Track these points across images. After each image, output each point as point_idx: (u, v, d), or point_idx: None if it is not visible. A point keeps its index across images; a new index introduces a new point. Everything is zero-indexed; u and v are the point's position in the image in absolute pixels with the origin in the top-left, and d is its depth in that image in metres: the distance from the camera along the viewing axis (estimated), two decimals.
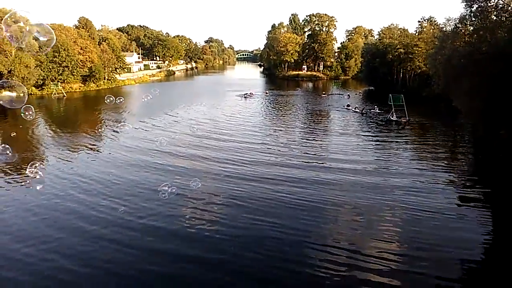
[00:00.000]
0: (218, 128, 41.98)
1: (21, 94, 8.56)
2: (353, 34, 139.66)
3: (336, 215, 19.60)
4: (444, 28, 51.11)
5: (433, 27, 76.26)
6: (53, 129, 42.40)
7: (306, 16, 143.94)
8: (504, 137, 29.13)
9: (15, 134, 37.36)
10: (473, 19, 36.39)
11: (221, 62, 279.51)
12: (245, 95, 74.49)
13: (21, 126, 41.45)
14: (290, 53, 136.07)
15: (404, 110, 47.54)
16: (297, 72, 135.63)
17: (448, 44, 39.92)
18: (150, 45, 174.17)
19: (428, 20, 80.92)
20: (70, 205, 20.36)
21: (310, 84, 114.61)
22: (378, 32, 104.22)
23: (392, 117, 47.37)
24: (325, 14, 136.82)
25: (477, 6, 35.21)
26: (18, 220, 18.74)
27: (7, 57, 66.96)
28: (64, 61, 79.12)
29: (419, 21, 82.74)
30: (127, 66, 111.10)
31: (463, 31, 38.19)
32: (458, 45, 37.56)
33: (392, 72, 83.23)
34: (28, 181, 23.98)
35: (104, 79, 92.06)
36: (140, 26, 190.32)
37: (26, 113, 10.99)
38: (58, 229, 17.77)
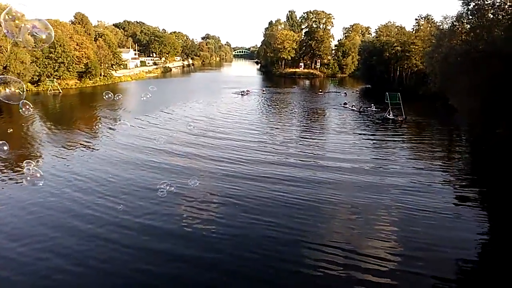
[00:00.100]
0: (215, 126, 41.87)
1: (19, 90, 8.45)
2: (350, 32, 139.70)
3: (333, 214, 19.57)
4: (441, 26, 51.15)
5: (430, 25, 76.24)
6: (49, 126, 42.15)
7: (304, 13, 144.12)
8: (501, 135, 29.15)
9: (11, 130, 37.35)
10: (470, 17, 36.44)
11: (218, 59, 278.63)
12: (242, 93, 74.35)
13: (22, 124, 41.22)
14: (287, 50, 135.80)
15: (401, 109, 47.58)
16: (294, 70, 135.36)
17: (445, 42, 39.98)
18: (147, 42, 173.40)
19: (425, 18, 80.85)
20: (65, 204, 20.24)
21: (307, 82, 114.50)
22: (375, 29, 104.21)
23: (389, 115, 47.40)
24: (323, 11, 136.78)
25: (474, 4, 35.22)
26: (13, 219, 18.61)
27: (2, 53, 66.48)
28: (60, 57, 78.56)
29: (416, 19, 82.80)
30: (123, 62, 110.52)
31: (460, 29, 38.23)
32: (455, 43, 37.61)
33: (389, 70, 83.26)
34: (23, 179, 23.83)
35: (100, 76, 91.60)
36: (137, 22, 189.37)
37: (24, 108, 10.88)
38: (53, 227, 17.66)
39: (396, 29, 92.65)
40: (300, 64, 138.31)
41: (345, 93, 76.30)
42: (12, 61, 66.24)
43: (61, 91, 75.03)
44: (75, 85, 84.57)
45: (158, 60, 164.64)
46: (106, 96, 21.37)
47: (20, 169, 25.59)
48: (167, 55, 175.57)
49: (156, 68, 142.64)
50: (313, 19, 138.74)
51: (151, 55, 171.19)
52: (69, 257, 15.15)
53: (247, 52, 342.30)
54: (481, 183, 24.76)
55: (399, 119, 46.30)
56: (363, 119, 48.31)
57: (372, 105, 54.72)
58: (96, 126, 42.68)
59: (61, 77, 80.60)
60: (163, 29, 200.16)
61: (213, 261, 14.94)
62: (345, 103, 59.51)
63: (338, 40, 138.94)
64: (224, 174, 25.12)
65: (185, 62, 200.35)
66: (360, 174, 25.34)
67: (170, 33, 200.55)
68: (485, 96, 30.32)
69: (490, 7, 34.36)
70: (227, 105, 60.19)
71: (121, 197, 21.12)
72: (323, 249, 15.84)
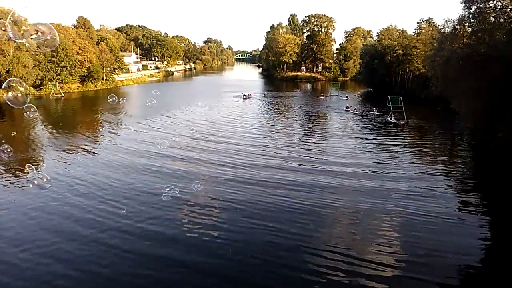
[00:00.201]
0: (216, 130, 41.84)
1: (24, 93, 8.54)
2: (351, 35, 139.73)
3: (335, 220, 19.50)
4: (442, 30, 51.08)
5: (431, 29, 76.35)
6: (51, 130, 42.17)
7: (305, 16, 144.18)
8: (503, 139, 29.04)
9: (15, 133, 37.63)
10: (472, 20, 36.37)
11: (219, 62, 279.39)
12: (244, 96, 74.46)
13: (24, 128, 41.26)
14: (289, 54, 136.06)
15: (402, 112, 47.52)
16: (295, 73, 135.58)
17: (446, 46, 39.91)
18: (149, 45, 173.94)
19: (427, 22, 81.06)
20: (67, 208, 20.18)
21: (309, 86, 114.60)
22: (377, 33, 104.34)
23: (391, 119, 47.33)
24: (324, 15, 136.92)
25: (475, 7, 35.18)
26: (14, 224, 18.56)
27: (5, 57, 66.82)
28: (62, 61, 78.93)
29: (417, 23, 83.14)
30: (125, 66, 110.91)
31: (461, 32, 38.17)
32: (456, 46, 37.54)
33: (390, 74, 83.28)
34: (29, 183, 23.80)
35: (103, 80, 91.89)
36: (139, 26, 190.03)
37: (29, 112, 10.97)
38: (55, 232, 17.60)
39: (398, 33, 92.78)
40: (302, 67, 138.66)
41: (347, 96, 76.25)
42: (14, 65, 66.64)
43: (63, 95, 75.21)
44: (77, 89, 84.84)
45: (160, 64, 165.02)
46: (111, 99, 21.48)
47: (22, 173, 25.64)
48: (169, 59, 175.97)
49: (158, 72, 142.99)
50: (315, 23, 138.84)
51: (153, 59, 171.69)
52: (70, 262, 15.09)
53: (249, 56, 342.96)
54: (484, 188, 24.66)
55: (401, 123, 46.23)
56: (364, 123, 48.22)
57: (374, 108, 54.67)
58: (98, 130, 42.74)
59: (63, 81, 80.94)
60: (165, 33, 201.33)
61: (215, 266, 14.88)
62: (347, 107, 59.47)
63: (340, 44, 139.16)
64: (226, 179, 25.05)
65: (187, 66, 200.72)
66: (362, 179, 25.25)
67: (172, 37, 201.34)
68: (486, 100, 30.24)
69: (491, 11, 34.32)
70: (228, 109, 60.19)
71: (122, 201, 21.05)
72: (324, 254, 15.75)
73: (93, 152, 32.46)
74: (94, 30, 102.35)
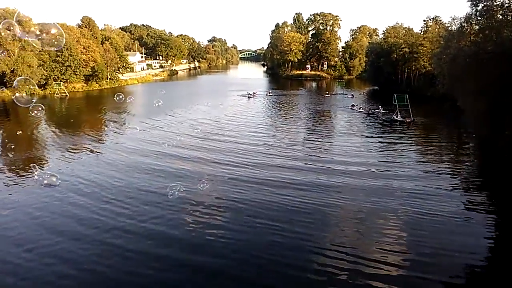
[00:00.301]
0: (221, 129, 41.70)
1: (31, 92, 8.58)
2: (357, 33, 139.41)
3: (340, 219, 19.33)
4: (449, 28, 50.79)
5: (438, 27, 75.85)
6: (55, 129, 42.22)
7: (310, 15, 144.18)
8: (510, 137, 28.71)
9: (20, 132, 37.86)
10: (479, 18, 36.08)
11: (224, 61, 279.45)
12: (249, 95, 74.39)
13: (29, 127, 41.39)
14: (293, 52, 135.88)
15: (408, 110, 47.20)
16: (300, 72, 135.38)
17: (453, 44, 39.63)
18: (153, 45, 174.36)
19: (433, 19, 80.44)
20: (70, 208, 20.11)
21: (314, 84, 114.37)
22: (383, 31, 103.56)
23: (397, 117, 47.01)
24: (330, 13, 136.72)
25: (482, 5, 34.88)
26: (18, 223, 18.51)
27: (10, 57, 67.06)
28: (67, 61, 79.20)
29: (424, 20, 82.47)
30: (130, 65, 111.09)
31: (468, 30, 37.89)
32: (463, 44, 37.26)
33: (396, 72, 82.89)
34: (28, 184, 23.82)
35: (107, 79, 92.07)
36: (143, 25, 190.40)
37: (35, 111, 11.04)
38: (58, 232, 17.53)
39: (404, 31, 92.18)
40: (307, 66, 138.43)
41: (352, 95, 75.97)
42: (19, 65, 66.93)
43: (67, 94, 75.44)
44: (82, 88, 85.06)
45: (164, 63, 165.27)
46: (118, 98, 21.44)
47: (26, 173, 25.65)
48: (173, 58, 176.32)
49: (163, 71, 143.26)
50: (320, 21, 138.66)
51: (157, 58, 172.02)
52: (74, 262, 15.02)
53: (253, 54, 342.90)
54: (490, 186, 24.37)
55: (407, 121, 45.90)
56: (370, 121, 47.98)
57: (380, 107, 54.31)
58: (103, 130, 42.79)
59: (68, 80, 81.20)
60: (170, 32, 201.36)
61: (219, 266, 14.77)
62: (352, 105, 59.16)
63: (345, 42, 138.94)
64: (230, 178, 24.93)
65: (192, 65, 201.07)
66: (367, 178, 25.03)
67: (177, 36, 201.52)
68: (493, 98, 29.91)
69: (499, 8, 34.00)
70: (233, 107, 60.13)
71: (126, 201, 20.97)
72: (329, 254, 15.60)
73: (97, 152, 32.44)
74: (98, 30, 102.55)
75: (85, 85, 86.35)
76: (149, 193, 22.12)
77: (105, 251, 15.87)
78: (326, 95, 78.51)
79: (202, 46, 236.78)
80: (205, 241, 16.69)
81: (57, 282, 13.92)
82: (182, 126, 43.60)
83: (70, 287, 13.71)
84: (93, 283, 13.93)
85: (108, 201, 21.07)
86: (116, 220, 18.63)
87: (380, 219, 18.84)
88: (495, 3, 34.08)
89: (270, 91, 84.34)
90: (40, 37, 7.26)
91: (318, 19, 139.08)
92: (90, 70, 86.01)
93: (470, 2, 35.73)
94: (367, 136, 39.03)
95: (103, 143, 36.20)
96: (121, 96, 21.90)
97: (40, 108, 11.04)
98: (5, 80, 65.80)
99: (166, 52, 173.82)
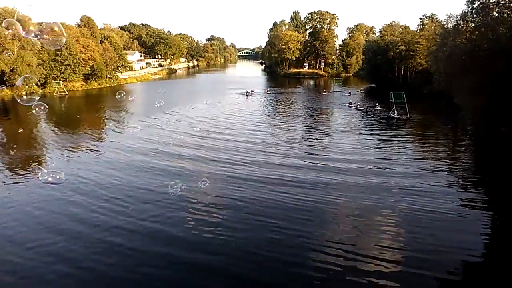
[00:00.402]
0: (220, 127, 41.86)
1: (34, 91, 8.85)
2: (354, 32, 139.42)
3: (337, 216, 19.52)
4: (445, 25, 50.95)
5: (434, 24, 76.06)
6: (54, 128, 42.31)
7: (308, 13, 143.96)
8: (506, 134, 29.03)
9: (22, 130, 38.29)
10: (475, 15, 36.31)
11: (222, 60, 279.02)
12: (247, 93, 74.56)
13: (28, 126, 41.54)
14: (291, 50, 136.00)
15: (405, 108, 47.50)
16: (298, 70, 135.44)
17: (449, 41, 39.83)
18: (152, 44, 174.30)
19: (429, 17, 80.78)
20: (70, 207, 20.21)
21: (312, 82, 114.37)
22: (380, 29, 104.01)
23: (394, 114, 47.33)
24: (327, 12, 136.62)
25: (478, 2, 35.17)
26: (17, 222, 18.58)
27: (9, 56, 67.07)
28: (66, 60, 79.15)
29: (420, 18, 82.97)
30: (129, 64, 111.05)
31: (464, 28, 38.09)
32: (459, 42, 37.48)
33: (393, 70, 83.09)
34: (28, 183, 23.95)
35: (106, 78, 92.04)
36: (142, 24, 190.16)
37: (38, 109, 11.29)
38: (58, 231, 17.60)
39: (401, 29, 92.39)
40: (305, 64, 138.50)
41: (349, 92, 76.17)
42: (19, 64, 66.96)
43: (67, 93, 75.52)
44: (81, 87, 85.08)
45: (163, 61, 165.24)
46: (119, 96, 21.73)
47: (27, 172, 25.84)
48: (172, 57, 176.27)
49: (162, 70, 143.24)
50: (317, 20, 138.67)
51: (156, 56, 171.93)
52: (73, 260, 15.10)
53: (251, 53, 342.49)
54: (487, 183, 24.59)
55: (404, 118, 46.21)
56: (367, 119, 48.23)
57: (377, 104, 54.59)
58: (102, 128, 42.92)
59: (67, 79, 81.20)
60: (168, 31, 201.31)
61: (218, 264, 14.91)
62: (350, 103, 59.39)
63: (343, 40, 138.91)
64: (228, 176, 25.07)
65: (190, 64, 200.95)
66: (365, 175, 25.21)
67: (175, 35, 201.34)
68: (489, 95, 30.22)
69: (495, 6, 34.27)
70: (231, 106, 60.26)
71: (126, 200, 21.09)
72: (327, 251, 15.76)
73: (97, 150, 32.54)
74: (97, 29, 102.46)
75: (84, 84, 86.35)
76: (149, 192, 22.24)
77: (105, 250, 15.95)
78: (323, 93, 78.65)
79: (200, 44, 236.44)
80: (204, 239, 16.81)
81: (57, 280, 14.00)
82: (181, 124, 43.76)
83: (70, 285, 13.78)
84: (93, 281, 14.01)
85: (107, 199, 21.18)
86: (116, 219, 18.74)
87: (377, 216, 19.01)
88: (491, 1, 34.34)
89: (268, 89, 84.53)
90: (41, 37, 7.47)
91: (315, 17, 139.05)
92: (89, 69, 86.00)
93: (466, 0, 36.04)
94: (364, 134, 39.27)
95: (103, 141, 36.35)
96: (122, 94, 22.20)
97: (42, 107, 11.31)
98: (4, 79, 65.93)
99: (165, 51, 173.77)
